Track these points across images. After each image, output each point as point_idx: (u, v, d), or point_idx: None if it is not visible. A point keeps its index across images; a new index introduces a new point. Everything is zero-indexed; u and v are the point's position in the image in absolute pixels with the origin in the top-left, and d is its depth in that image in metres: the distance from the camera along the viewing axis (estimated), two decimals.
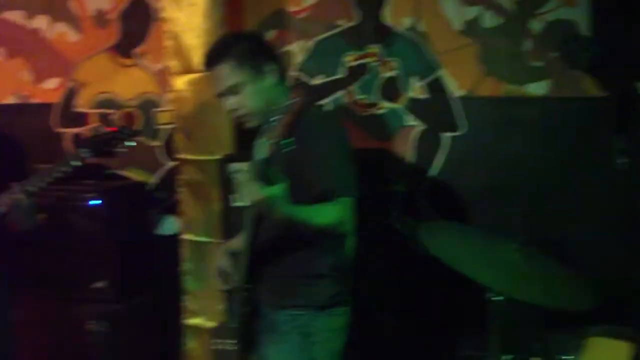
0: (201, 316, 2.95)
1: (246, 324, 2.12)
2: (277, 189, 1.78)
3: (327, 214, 1.94)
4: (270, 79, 2.06)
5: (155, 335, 3.14)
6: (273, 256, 2.02)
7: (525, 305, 2.01)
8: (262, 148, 1.75)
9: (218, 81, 2.06)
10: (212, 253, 2.83)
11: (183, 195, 2.95)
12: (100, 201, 2.91)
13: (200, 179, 2.90)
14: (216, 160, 2.87)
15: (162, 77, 3.08)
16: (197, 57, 2.77)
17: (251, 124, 2.07)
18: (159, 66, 3.14)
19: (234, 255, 2.22)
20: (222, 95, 2.07)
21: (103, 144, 2.32)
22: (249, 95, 2.03)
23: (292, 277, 2.06)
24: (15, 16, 3.40)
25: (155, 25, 3.13)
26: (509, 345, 2.16)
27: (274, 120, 1.75)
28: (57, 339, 2.95)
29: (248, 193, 1.79)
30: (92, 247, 2.91)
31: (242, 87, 2.02)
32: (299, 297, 2.06)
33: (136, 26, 3.21)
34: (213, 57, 2.08)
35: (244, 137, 2.31)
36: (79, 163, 2.29)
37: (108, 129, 2.42)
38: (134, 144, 2.38)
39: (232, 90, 2.03)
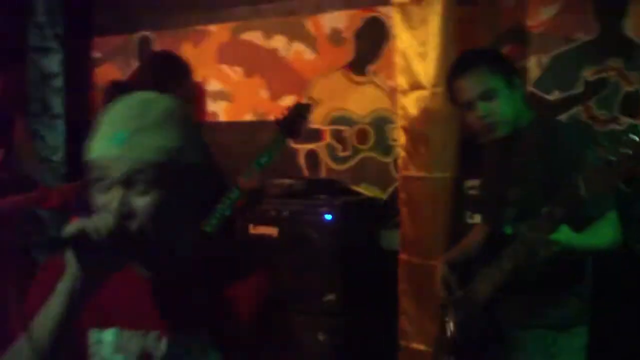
0: (415, 338, 3.47)
1: (477, 340, 2.51)
2: (565, 233, 2.05)
3: (605, 235, 2.21)
4: (519, 92, 2.44)
5: (374, 352, 3.70)
6: (520, 274, 2.25)
7: None
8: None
9: (471, 86, 2.39)
10: (430, 275, 3.21)
11: (404, 213, 3.52)
12: (332, 215, 3.59)
13: (424, 197, 3.43)
14: (444, 177, 3.40)
15: (395, 94, 3.65)
16: (426, 74, 3.37)
17: (498, 133, 2.41)
18: (392, 83, 3.74)
19: (455, 266, 2.64)
20: (471, 103, 2.40)
21: (289, 124, 3.06)
22: (502, 102, 2.38)
23: (541, 295, 2.36)
24: (254, 37, 4.32)
25: (390, 43, 3.79)
26: None
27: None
28: (285, 347, 3.84)
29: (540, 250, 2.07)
30: (323, 260, 3.60)
31: (495, 92, 2.37)
32: (547, 316, 2.36)
33: (370, 44, 3.91)
34: (466, 63, 2.45)
35: (473, 154, 2.90)
36: (283, 146, 3.10)
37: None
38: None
39: (485, 96, 2.37)
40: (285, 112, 3.10)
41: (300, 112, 3.12)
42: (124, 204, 1.35)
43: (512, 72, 2.47)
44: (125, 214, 1.35)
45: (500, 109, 2.39)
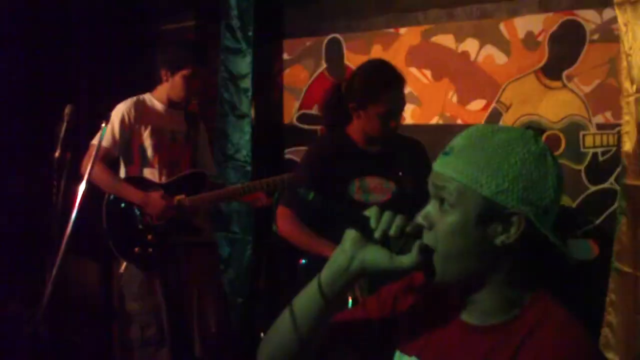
0: (617, 351, 3.55)
1: None
2: None
3: None
4: None
5: None
6: None
7: None
8: None
9: None
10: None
11: (622, 223, 3.55)
12: None
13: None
14: None
15: (591, 100, 3.85)
16: None
17: None
18: (588, 89, 3.92)
19: None
20: None
21: None
22: None
23: None
24: (444, 40, 4.57)
25: (587, 47, 3.96)
26: None
27: None
28: None
29: None
30: None
31: None
32: None
33: (566, 48, 4.05)
34: None
35: None
36: None
37: None
38: None
39: None
40: None
41: None
42: (426, 215, 1.52)
43: None
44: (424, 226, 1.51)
45: None
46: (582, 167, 4.07)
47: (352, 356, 1.68)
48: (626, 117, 3.57)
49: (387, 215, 1.50)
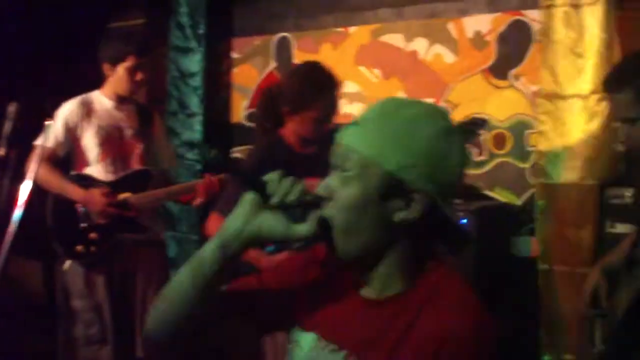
0: (556, 349, 3.61)
1: (621, 356, 2.50)
2: None
3: None
4: None
5: None
6: None
7: None
8: None
9: (616, 108, 2.43)
10: (572, 284, 3.49)
11: (543, 220, 3.68)
12: (466, 220, 3.71)
13: (567, 204, 3.60)
14: (591, 185, 3.53)
15: (537, 99, 3.84)
16: (581, 81, 3.54)
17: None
18: (534, 88, 3.97)
19: (609, 275, 2.65)
20: (621, 122, 2.39)
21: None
22: None
23: None
24: (394, 39, 4.60)
25: (534, 47, 4.03)
26: None
27: None
28: None
29: None
30: (457, 265, 3.94)
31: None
32: None
33: (514, 48, 4.14)
34: (612, 83, 2.42)
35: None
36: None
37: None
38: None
39: (628, 122, 2.36)
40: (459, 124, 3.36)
41: (473, 126, 3.40)
42: (327, 186, 1.48)
43: None
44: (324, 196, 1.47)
45: None
46: (527, 165, 4.12)
47: (246, 327, 1.64)
48: (541, 117, 3.67)
49: (286, 181, 1.46)
